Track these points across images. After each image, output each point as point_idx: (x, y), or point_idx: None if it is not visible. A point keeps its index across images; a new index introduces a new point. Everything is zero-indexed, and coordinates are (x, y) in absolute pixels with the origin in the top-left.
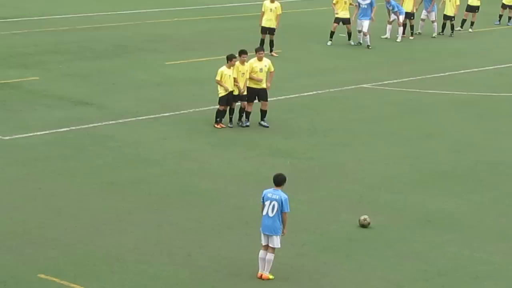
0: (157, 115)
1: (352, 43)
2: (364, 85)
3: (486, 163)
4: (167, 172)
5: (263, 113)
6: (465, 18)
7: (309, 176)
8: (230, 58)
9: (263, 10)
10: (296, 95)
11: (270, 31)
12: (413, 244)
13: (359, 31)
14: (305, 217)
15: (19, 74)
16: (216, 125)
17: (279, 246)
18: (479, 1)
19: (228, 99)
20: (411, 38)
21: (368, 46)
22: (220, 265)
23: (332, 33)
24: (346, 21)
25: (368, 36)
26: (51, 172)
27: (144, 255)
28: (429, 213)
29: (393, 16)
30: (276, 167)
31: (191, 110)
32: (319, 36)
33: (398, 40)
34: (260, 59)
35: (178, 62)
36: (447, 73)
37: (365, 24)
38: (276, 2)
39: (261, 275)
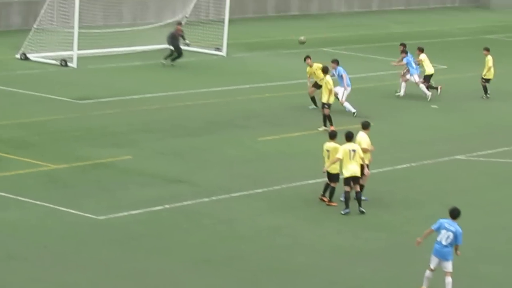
0: (250, 192)
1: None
2: (458, 157)
3: None
4: (261, 248)
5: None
6: None
7: (406, 249)
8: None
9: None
10: (390, 168)
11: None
12: None
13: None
14: None
15: (112, 153)
16: (326, 201)
17: (451, 270)
18: None
19: None
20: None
21: (353, 113)
22: None
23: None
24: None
25: (345, 103)
26: (145, 251)
27: None
28: None
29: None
30: (370, 241)
31: (284, 186)
32: (410, 107)
33: (428, 98)
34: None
35: (270, 138)
36: None
37: (340, 92)
38: (328, 76)
39: None
